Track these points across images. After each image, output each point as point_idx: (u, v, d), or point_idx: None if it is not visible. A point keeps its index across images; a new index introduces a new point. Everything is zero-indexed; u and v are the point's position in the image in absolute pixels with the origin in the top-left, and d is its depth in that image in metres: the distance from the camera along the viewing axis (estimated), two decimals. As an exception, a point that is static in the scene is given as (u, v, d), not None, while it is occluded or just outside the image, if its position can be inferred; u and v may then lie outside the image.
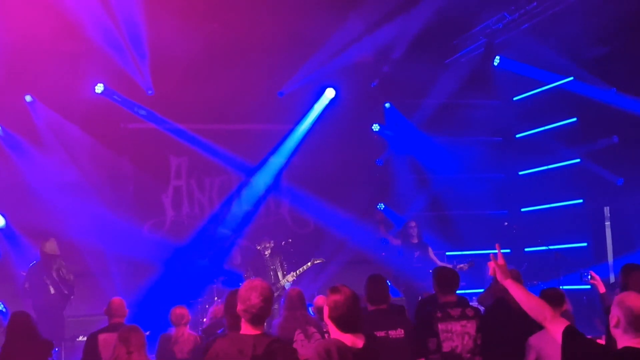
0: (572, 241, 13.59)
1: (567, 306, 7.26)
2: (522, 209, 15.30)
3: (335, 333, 4.76)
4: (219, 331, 6.57)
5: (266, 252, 11.93)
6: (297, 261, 12.15)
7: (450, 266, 12.13)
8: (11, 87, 12.27)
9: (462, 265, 12.19)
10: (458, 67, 14.20)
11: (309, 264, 11.94)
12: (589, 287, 11.64)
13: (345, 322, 4.78)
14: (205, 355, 4.69)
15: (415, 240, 12.56)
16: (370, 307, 6.33)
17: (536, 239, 13.85)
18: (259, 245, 12.02)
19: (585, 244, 13.61)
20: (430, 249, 12.55)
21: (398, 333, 6.06)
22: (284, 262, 12.03)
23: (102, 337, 7.56)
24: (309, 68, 13.59)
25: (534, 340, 6.30)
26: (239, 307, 4.64)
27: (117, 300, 7.92)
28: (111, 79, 12.98)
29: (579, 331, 4.19)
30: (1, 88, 12.38)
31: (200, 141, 13.77)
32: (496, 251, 4.65)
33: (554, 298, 6.35)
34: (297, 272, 11.89)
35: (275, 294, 11.55)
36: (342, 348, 4.61)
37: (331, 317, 4.81)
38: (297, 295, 7.47)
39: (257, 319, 4.62)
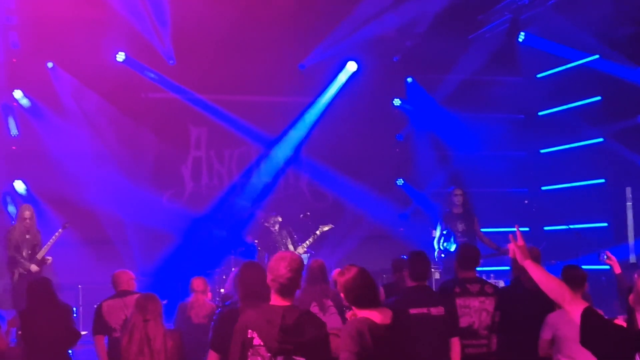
0: (593, 221, 13.46)
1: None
2: (543, 188, 15.17)
3: (360, 312, 4.76)
4: (226, 302, 6.59)
5: (274, 227, 11.92)
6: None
7: (492, 245, 11.82)
8: (33, 54, 12.35)
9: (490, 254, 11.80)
10: (482, 42, 14.05)
11: (317, 232, 11.95)
12: (607, 267, 11.53)
13: (362, 299, 4.80)
14: (235, 325, 4.69)
15: (460, 210, 11.87)
16: (411, 283, 6.26)
17: (556, 218, 13.74)
18: (267, 222, 12.01)
19: (605, 224, 13.50)
20: (476, 220, 11.95)
21: (439, 310, 6.01)
22: (294, 234, 12.03)
23: (105, 304, 7.63)
24: (330, 41, 13.51)
25: (552, 318, 6.26)
26: (269, 278, 4.65)
27: (118, 272, 7.97)
28: (133, 47, 12.96)
29: (598, 313, 4.14)
30: (24, 55, 12.48)
31: (221, 112, 13.75)
32: (515, 230, 4.59)
33: (575, 278, 6.28)
34: (308, 242, 11.91)
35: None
36: (372, 326, 4.62)
37: (349, 300, 4.84)
38: (319, 268, 7.40)
39: (285, 289, 4.62)
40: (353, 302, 4.84)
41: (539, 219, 14.73)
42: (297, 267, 4.64)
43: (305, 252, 11.93)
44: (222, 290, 11.53)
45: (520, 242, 4.44)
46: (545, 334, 6.25)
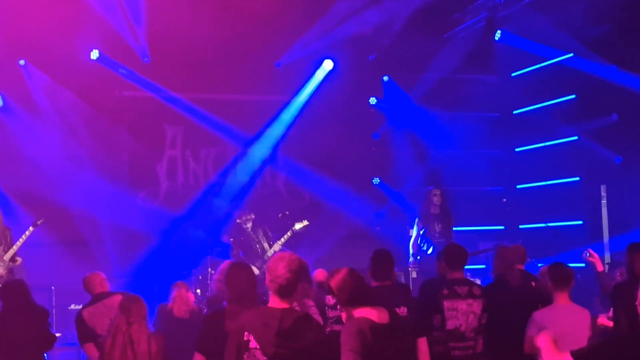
0: (568, 219, 13.54)
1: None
2: (518, 186, 15.24)
3: (357, 312, 4.71)
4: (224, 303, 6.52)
5: (247, 225, 11.83)
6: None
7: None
8: (5, 51, 12.08)
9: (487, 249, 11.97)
10: (458, 41, 14.06)
11: (293, 229, 11.82)
12: (583, 265, 11.62)
13: (356, 297, 4.77)
14: (223, 326, 4.64)
15: (437, 211, 12.07)
16: (374, 283, 6.22)
17: (531, 216, 13.80)
18: (239, 219, 11.93)
19: (580, 222, 13.58)
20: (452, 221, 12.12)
21: (401, 311, 5.95)
22: (269, 232, 11.92)
23: (85, 312, 7.54)
24: (307, 39, 13.40)
25: (538, 315, 6.28)
26: (267, 279, 4.59)
27: (89, 275, 7.89)
28: (107, 45, 12.75)
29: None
30: (-5, 53, 12.25)
31: (197, 111, 13.58)
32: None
33: (562, 277, 6.30)
34: (283, 239, 11.76)
35: (264, 267, 11.52)
36: (373, 326, 4.59)
37: (342, 300, 4.80)
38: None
39: (284, 290, 4.55)
40: (347, 302, 4.80)
41: (514, 217, 14.80)
42: (297, 267, 4.58)
43: (281, 250, 11.86)
44: (198, 290, 11.44)
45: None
46: (531, 331, 6.25)
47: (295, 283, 4.58)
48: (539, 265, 12.18)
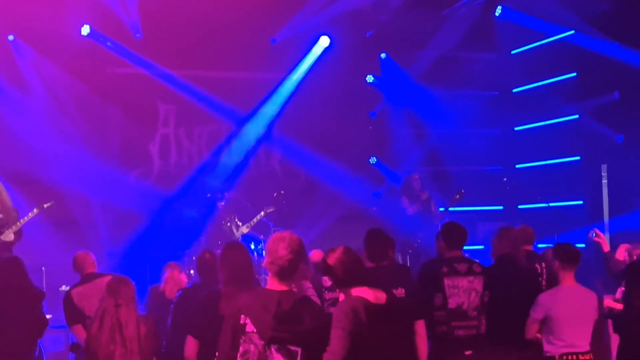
0: (568, 199, 13.35)
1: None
2: (517, 166, 15.03)
3: (354, 291, 4.49)
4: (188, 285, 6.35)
5: (220, 203, 11.68)
6: (288, 214, 11.91)
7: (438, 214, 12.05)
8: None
9: (455, 196, 11.98)
10: (457, 17, 13.81)
11: (262, 213, 11.74)
12: (583, 245, 11.47)
13: (352, 276, 4.56)
14: (217, 309, 4.49)
15: (417, 193, 12.14)
16: (369, 264, 6.00)
17: (530, 196, 13.62)
18: (213, 195, 11.79)
19: (581, 202, 13.39)
20: (433, 202, 12.17)
21: (399, 292, 5.73)
22: (236, 216, 11.81)
23: (75, 292, 7.31)
24: (303, 15, 13.18)
25: (544, 298, 6.08)
26: (266, 260, 4.39)
27: (80, 254, 7.66)
28: (98, 20, 12.50)
29: None
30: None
31: (190, 88, 13.31)
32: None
33: (569, 255, 6.10)
34: (251, 222, 11.69)
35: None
36: (368, 305, 4.38)
37: (338, 279, 4.59)
38: None
39: (284, 272, 4.35)
40: (343, 281, 4.59)
41: (513, 197, 14.61)
42: (298, 247, 4.39)
43: (249, 233, 11.75)
44: (191, 271, 11.23)
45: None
46: (537, 314, 6.08)
47: (296, 264, 4.40)
48: (538, 245, 12.06)
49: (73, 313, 7.26)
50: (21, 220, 10.06)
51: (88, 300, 7.10)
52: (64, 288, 10.87)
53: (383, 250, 6.09)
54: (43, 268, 11.36)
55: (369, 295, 4.46)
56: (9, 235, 9.99)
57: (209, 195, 11.78)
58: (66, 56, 12.27)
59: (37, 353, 7.26)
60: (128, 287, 5.61)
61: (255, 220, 11.68)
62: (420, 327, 5.75)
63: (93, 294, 6.97)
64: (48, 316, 7.63)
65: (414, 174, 12.44)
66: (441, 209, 12.18)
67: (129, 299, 5.54)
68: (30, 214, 10.16)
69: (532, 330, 6.17)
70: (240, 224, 11.69)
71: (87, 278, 7.39)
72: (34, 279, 8.26)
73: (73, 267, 7.63)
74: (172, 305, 5.95)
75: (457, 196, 11.96)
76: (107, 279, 6.00)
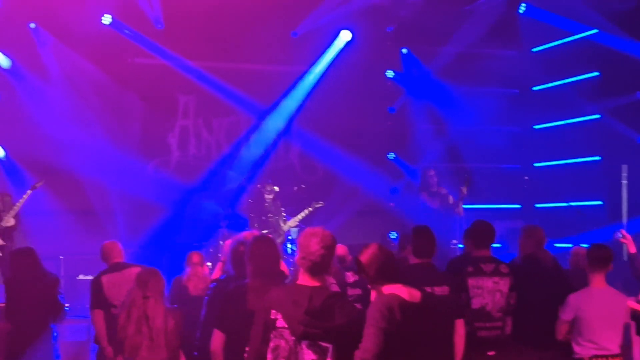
0: (587, 199, 13.26)
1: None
2: (535, 164, 14.94)
3: (387, 289, 4.44)
4: (221, 277, 6.31)
5: (268, 197, 11.62)
6: (305, 208, 11.85)
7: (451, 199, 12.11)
8: (15, 14, 11.81)
9: (462, 188, 11.92)
10: (480, 14, 13.71)
11: (310, 208, 11.66)
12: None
13: (386, 272, 4.50)
14: (244, 303, 4.39)
15: (434, 189, 12.21)
16: (414, 260, 5.91)
17: (548, 196, 13.54)
18: (263, 187, 11.72)
19: (600, 203, 13.29)
20: (450, 197, 12.20)
21: (443, 290, 5.66)
22: (282, 209, 11.78)
23: (105, 278, 7.39)
24: (325, 8, 13.10)
25: (574, 298, 6.01)
26: (298, 256, 4.31)
27: (107, 243, 7.75)
28: (120, 10, 12.49)
29: None
30: (5, 15, 11.94)
31: (210, 80, 13.27)
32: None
33: (600, 258, 6.03)
34: (299, 216, 11.62)
35: (278, 241, 11.32)
36: (403, 303, 4.31)
37: (371, 276, 4.52)
38: None
39: (316, 268, 4.28)
40: (375, 278, 4.51)
41: (531, 195, 14.52)
42: (330, 243, 4.31)
43: (296, 227, 11.67)
44: (209, 264, 11.20)
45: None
46: (566, 315, 6.01)
47: (329, 260, 4.32)
48: (555, 245, 11.98)
49: (99, 298, 7.33)
50: (17, 204, 10.06)
51: (117, 289, 7.14)
52: (81, 277, 10.96)
53: (430, 247, 5.99)
54: (61, 257, 11.40)
55: (403, 293, 4.40)
56: (9, 221, 9.99)
57: (259, 186, 11.76)
58: (87, 45, 12.23)
59: (53, 339, 7.29)
60: (158, 280, 5.59)
61: (302, 214, 11.61)
62: (460, 326, 5.73)
63: (122, 283, 7.03)
64: (66, 305, 7.65)
65: (429, 170, 12.56)
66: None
67: (157, 292, 5.52)
68: (24, 195, 10.21)
69: (562, 332, 6.10)
70: (286, 219, 11.64)
71: (117, 267, 7.46)
72: (52, 268, 8.33)
73: (100, 256, 7.69)
74: (206, 298, 5.92)
75: (465, 184, 11.90)
76: (136, 270, 5.99)
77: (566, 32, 13.54)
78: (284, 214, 11.76)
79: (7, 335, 7.01)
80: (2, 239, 9.82)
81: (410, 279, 5.28)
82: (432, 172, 12.41)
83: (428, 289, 5.50)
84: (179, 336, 5.53)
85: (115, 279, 7.27)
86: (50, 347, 7.18)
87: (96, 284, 7.40)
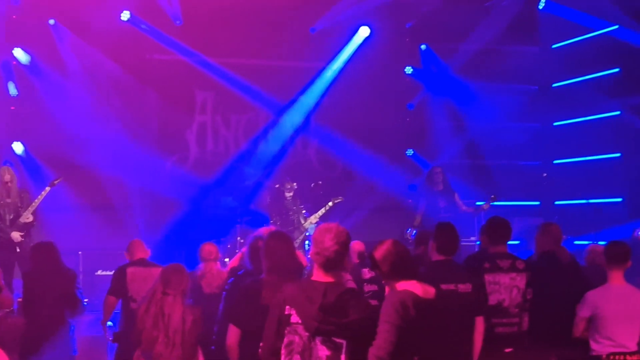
0: (607, 196, 13.16)
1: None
2: (555, 161, 14.84)
3: (400, 285, 4.42)
4: (239, 272, 6.29)
5: (288, 194, 11.60)
6: (323, 204, 11.80)
7: (471, 209, 12.09)
8: (34, 11, 11.93)
9: (483, 204, 11.92)
10: (499, 10, 13.64)
11: (330, 203, 11.63)
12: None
13: (401, 269, 4.50)
14: (259, 299, 4.42)
15: (440, 187, 12.10)
16: (437, 257, 5.86)
17: (568, 192, 13.44)
18: (282, 186, 11.70)
19: (620, 200, 13.19)
20: (456, 195, 12.13)
21: (466, 287, 5.62)
22: (302, 206, 11.78)
23: (130, 270, 7.47)
24: (343, 4, 13.11)
25: (592, 296, 5.96)
26: (312, 251, 4.31)
27: (135, 240, 7.92)
28: (138, 6, 12.55)
29: None
30: (24, 12, 12.06)
31: (228, 76, 13.29)
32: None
33: (618, 255, 5.97)
34: (319, 213, 11.60)
35: (300, 238, 11.32)
36: (417, 300, 4.30)
37: (386, 272, 4.52)
38: None
39: (331, 263, 4.27)
40: (389, 274, 4.52)
41: (550, 192, 14.43)
42: (345, 239, 4.30)
43: (316, 223, 11.65)
44: (226, 259, 11.20)
45: None
46: (584, 312, 5.96)
47: (343, 256, 4.31)
48: (575, 242, 11.90)
49: (118, 286, 7.43)
50: (35, 201, 10.10)
51: (139, 283, 7.23)
52: (100, 273, 11.01)
53: (454, 243, 5.93)
54: (80, 252, 11.45)
55: (417, 290, 4.39)
56: (28, 217, 10.03)
57: (278, 186, 11.78)
58: (106, 42, 12.27)
59: (71, 333, 7.33)
60: (181, 277, 5.53)
61: (323, 210, 11.58)
62: (479, 323, 5.67)
63: (145, 279, 7.11)
64: (85, 300, 7.69)
65: (435, 167, 12.49)
66: (479, 203, 12.16)
67: (178, 289, 5.46)
68: (43, 192, 10.17)
69: (579, 329, 6.06)
70: (306, 216, 11.65)
71: (142, 262, 7.55)
72: (71, 264, 8.37)
73: (126, 250, 7.81)
74: (224, 293, 5.92)
75: (487, 205, 11.89)
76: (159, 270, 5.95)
77: (586, 28, 13.44)
78: (304, 211, 11.76)
79: (23, 329, 7.05)
80: (21, 235, 9.86)
81: (434, 276, 5.29)
82: (437, 170, 12.29)
83: (452, 287, 5.50)
84: (196, 335, 5.48)
85: (139, 272, 7.35)
86: (67, 342, 7.21)
87: (120, 273, 7.49)
